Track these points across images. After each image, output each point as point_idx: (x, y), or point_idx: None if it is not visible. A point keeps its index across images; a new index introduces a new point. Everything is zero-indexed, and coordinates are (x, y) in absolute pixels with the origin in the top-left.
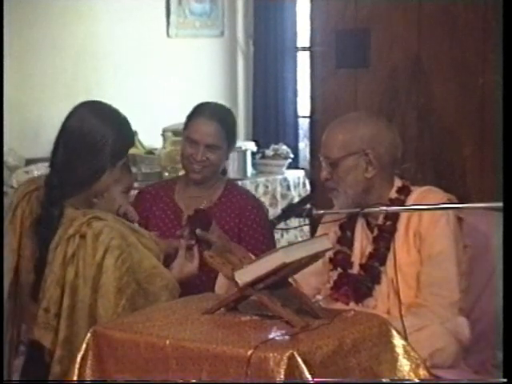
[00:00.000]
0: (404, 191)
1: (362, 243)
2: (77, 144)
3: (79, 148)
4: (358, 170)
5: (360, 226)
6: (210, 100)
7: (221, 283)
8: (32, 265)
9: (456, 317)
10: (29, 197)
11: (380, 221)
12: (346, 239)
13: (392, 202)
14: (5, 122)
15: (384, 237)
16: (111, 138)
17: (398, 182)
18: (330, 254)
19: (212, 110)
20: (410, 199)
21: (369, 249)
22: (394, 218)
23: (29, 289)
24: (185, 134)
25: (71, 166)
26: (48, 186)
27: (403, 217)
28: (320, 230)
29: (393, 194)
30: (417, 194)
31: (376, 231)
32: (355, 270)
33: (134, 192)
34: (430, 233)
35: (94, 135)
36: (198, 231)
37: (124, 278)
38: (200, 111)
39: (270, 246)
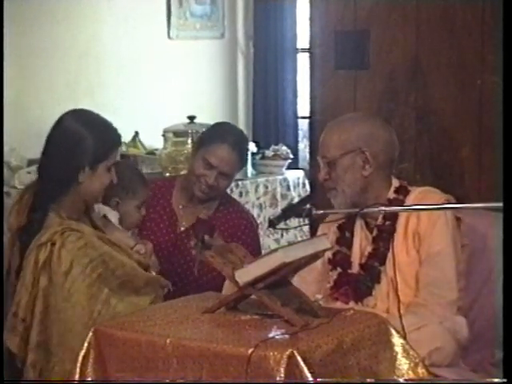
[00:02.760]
0: (402, 191)
1: (361, 244)
2: (56, 146)
3: (57, 149)
4: (355, 169)
5: (359, 227)
6: (209, 100)
7: (229, 286)
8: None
9: (455, 316)
10: (20, 199)
11: (379, 221)
12: (344, 240)
13: (390, 202)
14: (7, 123)
15: (383, 237)
16: (89, 138)
17: (395, 182)
18: (328, 254)
19: (235, 139)
20: (409, 199)
21: (368, 249)
22: (392, 218)
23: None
24: (201, 152)
25: (50, 168)
26: (34, 191)
27: (402, 217)
28: (320, 230)
29: (391, 194)
30: (415, 194)
31: (375, 231)
32: (355, 269)
33: None
34: (429, 233)
35: (71, 136)
36: (206, 238)
37: (95, 284)
38: (223, 137)
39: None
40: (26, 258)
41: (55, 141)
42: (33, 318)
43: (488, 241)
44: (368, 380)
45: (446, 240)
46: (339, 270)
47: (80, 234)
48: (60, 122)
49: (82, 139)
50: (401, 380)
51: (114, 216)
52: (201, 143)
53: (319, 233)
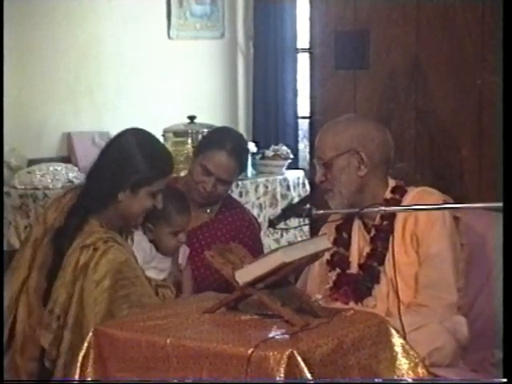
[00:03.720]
0: (399, 191)
1: (359, 244)
2: (106, 157)
3: (107, 161)
4: (351, 169)
5: (357, 227)
6: (209, 100)
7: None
8: (45, 271)
9: (455, 315)
10: (57, 203)
11: (376, 221)
12: (342, 240)
13: (387, 202)
14: (8, 123)
15: (381, 237)
16: (138, 160)
17: (392, 182)
18: (327, 256)
19: (233, 145)
20: (406, 199)
21: (366, 249)
22: (390, 217)
23: (40, 294)
24: (199, 158)
25: (96, 177)
26: (77, 195)
27: (399, 217)
28: (322, 230)
29: (388, 194)
30: (412, 194)
31: (373, 231)
32: (353, 270)
33: None
34: (427, 234)
35: (123, 153)
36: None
37: (118, 301)
38: (221, 143)
39: None
40: (67, 256)
41: (108, 152)
42: (67, 318)
43: (488, 241)
44: (376, 380)
45: (444, 241)
46: (338, 270)
47: (123, 248)
48: (120, 135)
49: (131, 159)
50: (408, 380)
51: (145, 241)
52: (199, 149)
53: (321, 232)
